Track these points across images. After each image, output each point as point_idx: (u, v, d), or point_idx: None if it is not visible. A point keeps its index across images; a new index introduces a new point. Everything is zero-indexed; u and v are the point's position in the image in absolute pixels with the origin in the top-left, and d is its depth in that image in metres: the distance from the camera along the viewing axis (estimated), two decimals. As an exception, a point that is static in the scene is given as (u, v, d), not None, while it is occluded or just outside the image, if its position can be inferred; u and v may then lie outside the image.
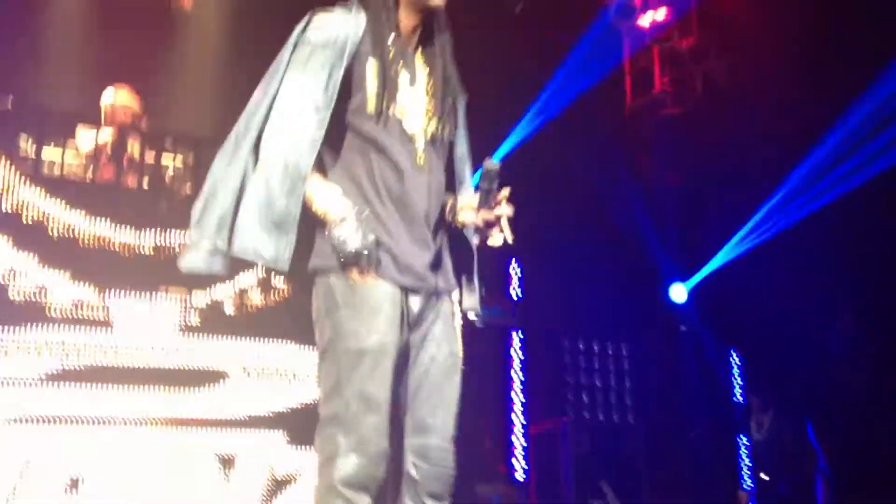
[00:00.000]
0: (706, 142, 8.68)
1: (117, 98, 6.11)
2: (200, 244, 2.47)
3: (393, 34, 2.59)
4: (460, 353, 2.63)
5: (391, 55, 2.57)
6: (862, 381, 7.72)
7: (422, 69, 2.66)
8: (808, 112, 7.75)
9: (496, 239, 2.58)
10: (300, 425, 5.37)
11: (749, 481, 8.50)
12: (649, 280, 8.96)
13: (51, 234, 5.24)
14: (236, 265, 2.55)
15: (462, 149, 2.77)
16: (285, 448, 5.44)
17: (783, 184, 8.36)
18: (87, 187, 5.71)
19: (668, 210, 9.07)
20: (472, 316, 2.75)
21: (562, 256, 8.35)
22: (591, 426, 8.19)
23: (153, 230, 5.42)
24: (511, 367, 8.30)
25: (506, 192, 2.51)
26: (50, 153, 5.67)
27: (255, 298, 5.52)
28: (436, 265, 2.60)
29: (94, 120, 6.00)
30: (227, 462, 5.32)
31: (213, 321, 5.44)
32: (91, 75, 6.75)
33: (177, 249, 5.37)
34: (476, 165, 2.56)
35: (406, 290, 2.52)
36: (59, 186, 5.41)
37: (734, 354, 9.06)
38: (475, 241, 2.68)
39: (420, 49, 2.68)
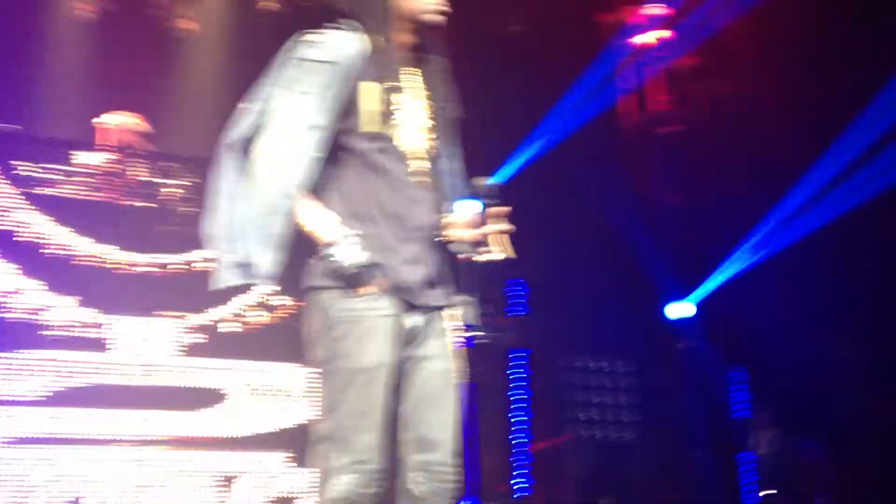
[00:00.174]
0: (707, 160, 8.69)
1: (117, 119, 6.15)
2: (222, 261, 2.48)
3: (388, 52, 2.60)
4: (457, 369, 2.62)
5: (387, 74, 2.58)
6: (866, 397, 7.69)
7: (417, 87, 2.66)
8: (808, 129, 7.76)
9: (492, 256, 2.58)
10: (299, 444, 5.37)
11: (752, 498, 8.46)
12: (650, 297, 8.95)
13: (50, 254, 5.25)
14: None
15: (455, 165, 2.78)
16: (284, 467, 5.43)
17: (784, 201, 8.36)
18: (86, 208, 5.72)
19: (669, 228, 9.07)
20: (468, 327, 2.74)
21: (563, 274, 8.35)
22: (593, 444, 8.16)
23: (152, 251, 5.43)
24: (513, 385, 8.28)
25: (503, 209, 2.51)
26: (50, 175, 5.68)
27: (253, 318, 5.52)
28: (432, 281, 2.60)
29: (95, 141, 6.02)
30: (226, 481, 5.32)
31: (212, 341, 5.44)
32: (91, 97, 6.78)
33: (175, 270, 5.38)
34: (474, 183, 2.56)
35: (402, 307, 2.52)
36: (58, 207, 5.43)
37: (737, 370, 9.03)
38: (472, 257, 2.68)
39: (415, 66, 2.68)
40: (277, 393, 5.51)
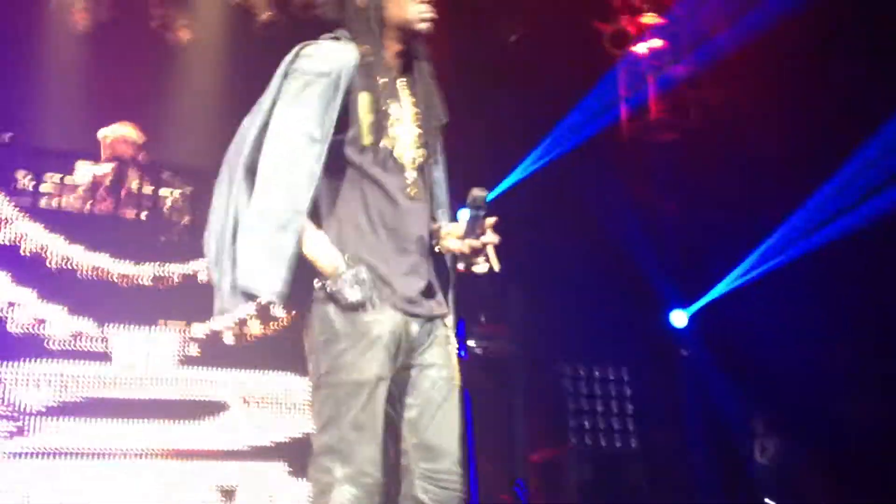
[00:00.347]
0: (704, 168, 8.69)
1: (116, 130, 6.15)
2: (221, 284, 2.48)
3: (381, 64, 2.61)
4: (457, 377, 2.64)
5: (381, 86, 2.59)
6: (866, 407, 7.69)
7: (407, 97, 2.69)
8: (808, 139, 7.76)
9: (481, 267, 2.60)
10: (301, 456, 5.35)
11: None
12: (650, 305, 8.95)
13: (50, 266, 5.25)
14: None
15: (439, 173, 2.79)
16: (286, 479, 5.42)
17: (785, 210, 8.36)
18: (85, 219, 5.73)
19: (666, 235, 9.08)
20: (461, 336, 2.76)
21: (562, 283, 8.35)
22: (593, 453, 8.14)
23: (152, 262, 5.43)
24: (512, 394, 8.26)
25: (491, 220, 2.53)
26: (48, 186, 5.69)
27: (255, 329, 5.52)
28: (430, 291, 2.61)
29: (93, 152, 6.03)
30: (227, 493, 5.30)
31: (213, 352, 5.44)
32: (89, 108, 6.79)
33: (175, 280, 5.38)
34: (464, 193, 2.57)
35: (403, 318, 2.53)
36: (57, 219, 5.43)
37: (736, 379, 9.02)
38: (459, 267, 2.70)
39: (403, 75, 2.70)
40: (281, 404, 5.51)
